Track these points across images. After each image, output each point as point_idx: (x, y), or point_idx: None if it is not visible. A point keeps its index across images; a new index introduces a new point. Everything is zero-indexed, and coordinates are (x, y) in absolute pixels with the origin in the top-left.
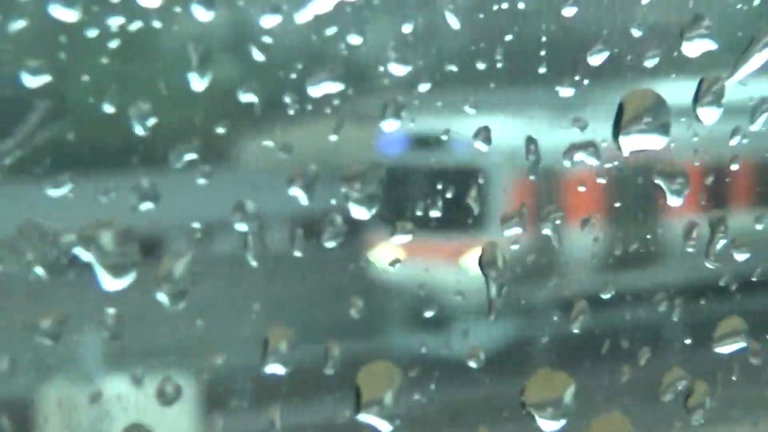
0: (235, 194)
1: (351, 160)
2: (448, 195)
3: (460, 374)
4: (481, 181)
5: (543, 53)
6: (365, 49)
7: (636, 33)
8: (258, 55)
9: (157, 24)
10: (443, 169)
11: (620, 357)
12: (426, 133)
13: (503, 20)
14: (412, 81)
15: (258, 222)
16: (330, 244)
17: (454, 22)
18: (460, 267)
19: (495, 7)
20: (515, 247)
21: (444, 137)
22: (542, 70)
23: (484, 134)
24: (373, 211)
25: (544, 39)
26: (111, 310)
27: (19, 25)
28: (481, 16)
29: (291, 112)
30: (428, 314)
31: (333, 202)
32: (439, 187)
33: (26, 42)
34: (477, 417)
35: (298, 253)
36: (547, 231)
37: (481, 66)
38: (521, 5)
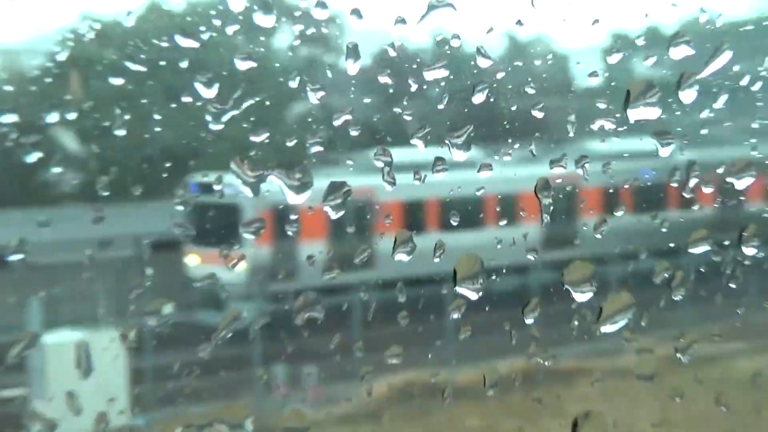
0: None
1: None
2: (225, 222)
3: None
4: (242, 213)
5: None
6: (462, 48)
7: (640, 42)
8: (391, 52)
9: (325, 30)
10: (219, 205)
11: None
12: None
13: None
14: (494, 70)
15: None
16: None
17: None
18: (230, 269)
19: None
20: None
21: (217, 186)
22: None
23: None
24: (469, 153)
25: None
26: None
27: (234, 27)
28: None
29: (413, 89)
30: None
31: (440, 148)
32: (219, 216)
33: (238, 38)
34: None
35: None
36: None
37: None
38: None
